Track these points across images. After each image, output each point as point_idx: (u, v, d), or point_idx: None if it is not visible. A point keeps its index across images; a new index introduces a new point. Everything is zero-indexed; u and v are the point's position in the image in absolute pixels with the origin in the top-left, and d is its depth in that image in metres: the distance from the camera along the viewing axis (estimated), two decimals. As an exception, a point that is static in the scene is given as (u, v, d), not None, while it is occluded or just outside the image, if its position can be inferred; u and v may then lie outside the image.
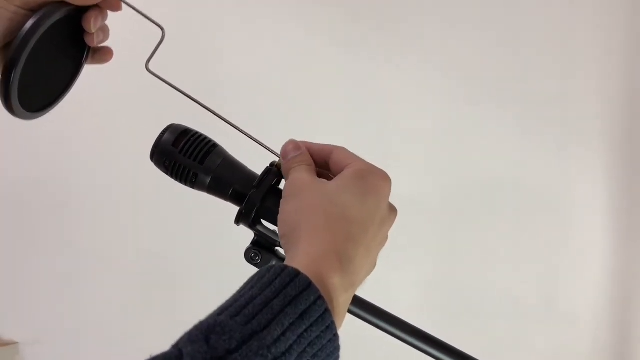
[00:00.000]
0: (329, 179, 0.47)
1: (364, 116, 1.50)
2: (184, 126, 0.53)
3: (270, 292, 0.36)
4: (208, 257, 1.49)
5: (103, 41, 0.56)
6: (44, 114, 0.56)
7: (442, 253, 1.53)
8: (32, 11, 0.48)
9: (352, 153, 0.48)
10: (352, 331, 0.46)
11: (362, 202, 0.44)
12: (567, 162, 1.52)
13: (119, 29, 0.59)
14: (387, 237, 0.48)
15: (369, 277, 0.47)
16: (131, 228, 1.53)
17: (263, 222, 0.51)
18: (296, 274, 0.37)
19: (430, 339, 0.52)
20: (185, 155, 0.51)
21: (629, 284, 1.54)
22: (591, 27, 1.48)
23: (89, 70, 0.61)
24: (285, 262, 0.41)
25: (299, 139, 0.51)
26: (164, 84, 0.54)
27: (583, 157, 1.51)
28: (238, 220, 0.51)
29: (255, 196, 0.50)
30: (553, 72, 1.49)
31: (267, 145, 0.53)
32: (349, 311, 0.47)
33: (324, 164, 0.49)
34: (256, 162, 0.53)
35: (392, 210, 0.48)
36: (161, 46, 0.55)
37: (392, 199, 0.48)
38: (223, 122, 0.54)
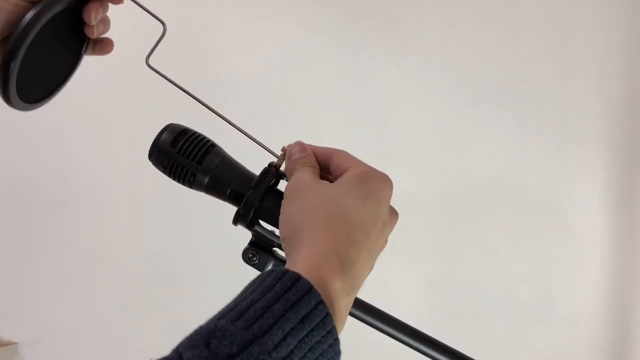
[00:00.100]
0: (331, 182, 0.47)
1: (364, 116, 1.50)
2: (182, 126, 0.53)
3: (271, 296, 0.36)
4: (208, 257, 1.49)
5: (103, 33, 0.56)
6: (42, 105, 0.56)
7: (442, 253, 1.53)
8: (32, 3, 0.48)
9: (353, 156, 0.48)
10: (351, 332, 0.46)
11: (363, 205, 0.44)
12: (567, 162, 1.52)
13: (120, 22, 0.59)
14: (387, 241, 0.48)
15: (369, 277, 0.47)
16: (131, 228, 1.53)
17: (261, 222, 0.51)
18: (297, 278, 0.37)
19: (429, 340, 0.52)
20: (183, 155, 0.51)
21: (628, 284, 1.54)
22: (591, 27, 1.48)
23: (88, 69, 0.61)
24: (287, 265, 0.40)
25: (299, 139, 0.51)
26: (163, 81, 0.54)
27: (583, 157, 1.51)
28: (236, 221, 0.51)
29: (253, 197, 0.50)
30: (553, 72, 1.49)
31: (266, 145, 0.53)
32: (349, 313, 0.47)
33: (325, 167, 0.49)
34: (255, 163, 0.53)
35: (394, 213, 0.48)
36: (161, 45, 0.55)
37: (392, 199, 0.48)
38: (222, 121, 0.54)
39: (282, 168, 0.51)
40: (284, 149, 0.51)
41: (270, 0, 1.48)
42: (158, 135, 0.52)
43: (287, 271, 0.37)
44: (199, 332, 0.33)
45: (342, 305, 0.40)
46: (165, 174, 0.53)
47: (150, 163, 0.53)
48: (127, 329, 1.52)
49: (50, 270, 1.52)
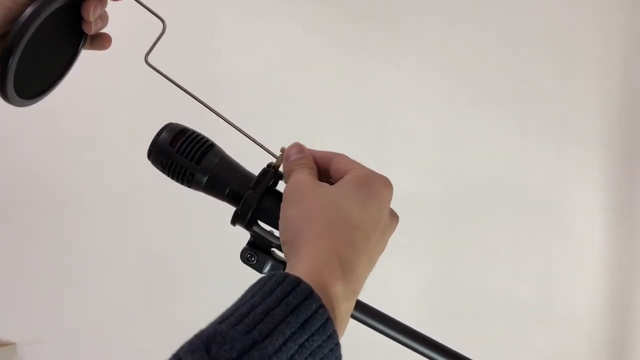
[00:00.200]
0: (330, 184, 0.47)
1: (364, 116, 1.50)
2: (181, 125, 0.53)
3: (272, 300, 0.36)
4: (208, 257, 1.49)
5: (101, 28, 0.56)
6: (38, 101, 0.56)
7: (442, 253, 1.53)
8: None
9: (352, 160, 0.48)
10: (350, 333, 0.46)
11: (364, 208, 0.44)
12: (567, 162, 1.51)
13: (119, 19, 0.59)
14: (387, 244, 0.48)
15: (369, 278, 0.47)
16: (131, 228, 1.53)
17: (259, 223, 0.51)
18: (298, 282, 0.37)
19: (428, 341, 0.52)
20: (182, 155, 0.51)
21: (628, 283, 1.54)
22: (591, 27, 1.48)
23: (88, 68, 0.61)
24: (287, 269, 0.40)
25: (298, 139, 0.51)
26: (162, 79, 0.54)
27: (583, 157, 1.51)
28: (234, 221, 0.51)
29: (251, 197, 0.50)
30: (553, 72, 1.49)
31: (265, 146, 0.53)
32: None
33: (325, 171, 0.49)
34: (254, 163, 0.53)
35: (394, 217, 0.48)
36: (159, 43, 0.55)
37: (392, 199, 0.48)
38: (221, 120, 0.54)
39: (281, 169, 0.51)
40: (282, 150, 0.51)
41: None
42: (157, 134, 0.52)
43: (287, 275, 0.37)
44: (199, 337, 0.33)
45: (343, 309, 0.40)
46: (164, 173, 0.53)
47: (149, 162, 0.53)
48: (127, 329, 1.52)
49: (50, 271, 1.52)
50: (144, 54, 0.54)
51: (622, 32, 1.48)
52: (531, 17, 1.48)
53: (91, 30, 0.54)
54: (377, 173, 0.47)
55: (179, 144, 0.52)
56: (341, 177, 0.46)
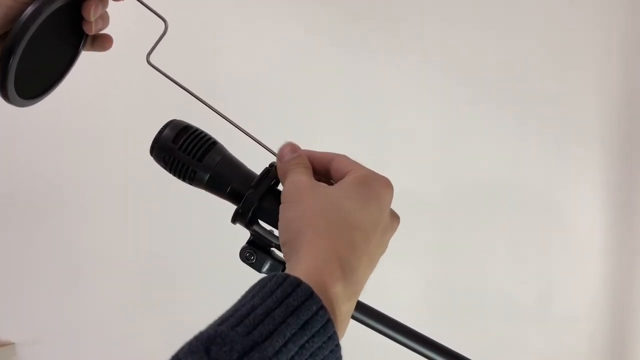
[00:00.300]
0: (329, 184, 0.47)
1: (364, 116, 1.50)
2: (184, 122, 0.53)
3: (272, 302, 0.36)
4: (208, 257, 1.49)
5: (102, 29, 0.55)
6: (39, 101, 0.56)
7: (442, 253, 1.53)
8: None
9: (353, 160, 0.48)
10: (350, 333, 0.46)
11: (364, 208, 0.44)
12: (567, 162, 1.51)
13: (120, 19, 0.59)
14: (387, 245, 0.48)
15: (369, 278, 0.47)
16: (131, 228, 1.53)
17: (260, 222, 0.51)
18: (298, 283, 0.37)
19: (427, 341, 0.52)
20: (185, 152, 0.52)
21: (628, 284, 1.54)
22: (591, 27, 1.48)
23: (89, 66, 0.61)
24: (287, 270, 0.40)
25: (298, 139, 0.51)
26: (164, 79, 0.54)
27: (583, 157, 1.51)
28: (235, 219, 0.51)
29: (252, 196, 0.50)
30: (553, 72, 1.49)
31: (267, 145, 0.53)
32: None
33: (325, 172, 0.49)
34: (256, 162, 0.53)
35: (395, 217, 0.47)
36: (160, 44, 0.55)
37: (393, 199, 0.48)
38: (223, 120, 0.54)
39: None
40: None
41: (270, 0, 1.48)
42: (160, 130, 0.53)
43: (287, 276, 0.37)
44: (198, 338, 0.33)
45: (344, 310, 0.40)
46: (166, 169, 0.53)
47: (150, 163, 0.53)
48: (127, 329, 1.52)
49: (49, 270, 1.52)
50: (146, 54, 0.54)
51: (622, 32, 1.48)
52: (531, 17, 1.48)
53: (92, 30, 0.54)
54: (377, 174, 0.46)
55: (181, 141, 0.52)
56: (341, 178, 0.46)
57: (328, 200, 0.44)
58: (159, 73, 0.54)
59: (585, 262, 1.54)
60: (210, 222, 1.38)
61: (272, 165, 0.51)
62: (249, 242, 0.51)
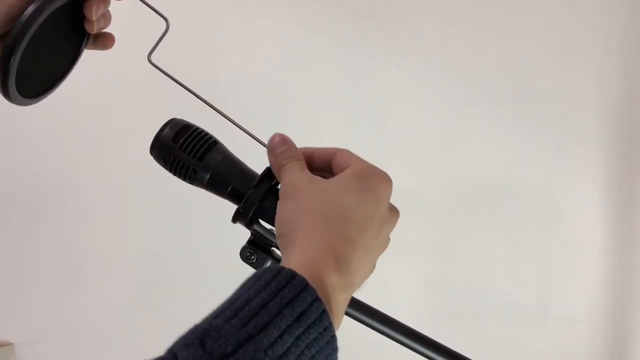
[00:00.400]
0: (327, 178, 0.47)
1: (364, 116, 1.50)
2: (185, 121, 0.53)
3: (267, 294, 0.36)
4: (208, 257, 1.49)
5: (104, 28, 0.55)
6: (40, 100, 0.56)
7: (442, 253, 1.53)
8: None
9: (354, 154, 0.48)
10: (347, 331, 0.46)
11: (360, 202, 0.44)
12: (567, 162, 1.51)
13: (121, 18, 0.59)
14: (389, 239, 0.48)
15: (369, 278, 0.47)
16: (131, 228, 1.53)
17: (260, 222, 0.51)
18: (292, 275, 0.37)
19: (426, 340, 0.52)
20: (185, 151, 0.51)
21: (628, 284, 1.54)
22: (591, 27, 1.48)
23: (90, 65, 0.61)
24: (282, 263, 0.40)
25: (298, 139, 0.51)
26: (165, 78, 0.54)
27: (583, 157, 1.51)
28: (235, 219, 0.51)
29: (253, 196, 0.50)
30: (553, 72, 1.49)
31: (267, 144, 0.53)
32: (345, 313, 0.47)
33: (328, 167, 0.49)
34: (257, 161, 0.53)
35: (394, 211, 0.47)
36: (161, 44, 0.55)
37: (393, 199, 0.48)
38: (224, 119, 0.54)
39: None
40: None
41: (270, 0, 1.48)
42: (160, 129, 0.52)
43: (282, 268, 0.37)
44: (193, 332, 0.33)
45: (339, 301, 0.40)
46: (166, 169, 0.53)
47: (150, 163, 0.53)
48: (127, 329, 1.52)
49: (49, 270, 1.52)
50: (147, 53, 0.54)
51: (622, 32, 1.48)
52: (531, 17, 1.48)
53: (93, 29, 0.54)
54: (376, 168, 0.46)
55: (181, 140, 0.51)
56: (341, 172, 0.46)
57: (323, 194, 0.44)
58: (159, 72, 0.54)
59: (585, 262, 1.54)
60: (210, 222, 1.38)
61: None
62: (249, 242, 0.51)
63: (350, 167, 0.46)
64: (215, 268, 1.44)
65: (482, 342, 1.51)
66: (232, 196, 0.52)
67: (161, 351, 0.33)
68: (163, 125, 0.52)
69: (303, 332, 0.35)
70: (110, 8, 0.55)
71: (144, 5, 0.54)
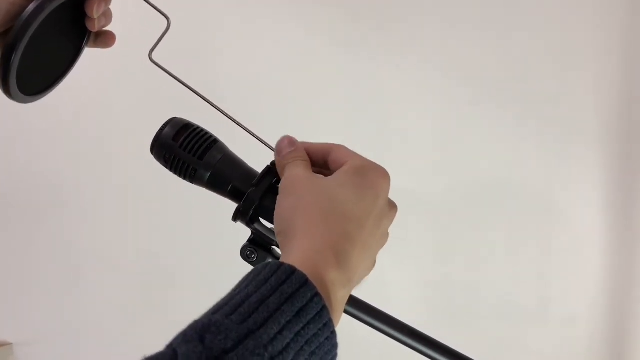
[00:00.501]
0: (326, 176, 0.47)
1: (364, 116, 1.50)
2: (185, 120, 0.53)
3: (266, 289, 0.36)
4: (208, 257, 1.49)
5: (105, 26, 0.55)
6: (41, 98, 0.56)
7: (441, 253, 1.53)
8: None
9: (351, 150, 0.48)
10: (347, 330, 0.46)
11: (359, 198, 0.44)
12: (567, 162, 1.51)
13: (123, 16, 0.59)
14: (387, 235, 0.48)
15: (369, 277, 0.47)
16: (131, 228, 1.53)
17: (261, 220, 0.51)
18: (292, 271, 0.37)
19: (426, 339, 0.52)
20: (185, 150, 0.51)
21: (627, 284, 1.54)
22: (591, 27, 1.48)
23: (91, 64, 0.61)
24: (281, 259, 0.40)
25: (299, 138, 0.51)
26: (164, 77, 0.54)
27: (583, 157, 1.51)
28: (236, 218, 0.51)
29: (253, 194, 0.50)
30: (553, 72, 1.49)
31: (268, 143, 0.53)
32: (345, 311, 0.47)
33: (324, 162, 0.49)
34: (257, 160, 0.53)
35: (392, 206, 0.47)
36: (161, 44, 0.55)
37: (393, 199, 0.48)
38: (224, 118, 0.54)
39: None
40: None
41: (270, 1, 1.48)
42: (161, 128, 0.53)
43: (282, 264, 0.37)
44: (193, 327, 0.33)
45: (339, 296, 0.40)
46: (166, 167, 0.53)
47: (150, 163, 0.53)
48: (127, 329, 1.52)
49: (48, 270, 1.52)
50: (148, 51, 0.54)
51: (622, 32, 1.48)
52: (531, 17, 1.48)
53: (94, 27, 0.54)
54: (374, 163, 0.47)
55: (182, 138, 0.52)
56: (339, 168, 0.47)
57: (323, 191, 0.44)
58: (160, 70, 0.54)
59: (585, 262, 1.54)
60: (210, 222, 1.38)
61: (273, 163, 0.51)
62: (249, 241, 0.52)
63: (347, 163, 0.46)
64: (216, 268, 1.44)
65: (482, 342, 1.51)
66: (233, 195, 0.52)
67: (161, 349, 0.33)
68: (164, 124, 0.53)
69: (303, 328, 0.35)
70: (112, 6, 0.55)
71: (145, 3, 0.54)
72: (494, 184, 1.51)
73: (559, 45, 1.49)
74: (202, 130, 0.53)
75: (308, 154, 0.49)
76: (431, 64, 1.49)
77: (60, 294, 1.52)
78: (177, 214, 1.50)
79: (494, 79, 1.49)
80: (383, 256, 0.48)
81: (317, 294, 0.36)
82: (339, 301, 0.40)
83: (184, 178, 0.53)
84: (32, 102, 0.55)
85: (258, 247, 0.51)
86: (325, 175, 0.47)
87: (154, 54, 0.54)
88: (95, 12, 0.52)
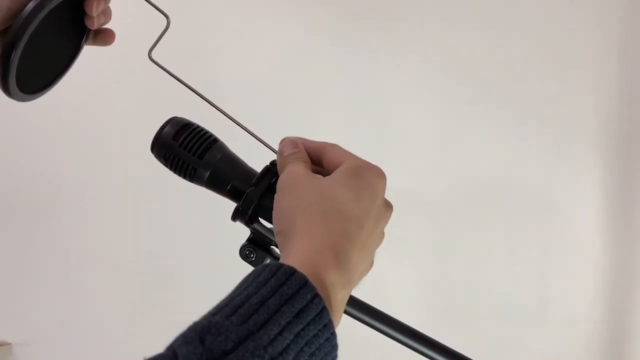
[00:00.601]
0: (324, 175, 0.47)
1: (364, 116, 1.50)
2: (185, 119, 0.53)
3: (266, 291, 0.36)
4: (208, 257, 1.49)
5: (104, 24, 0.55)
6: (40, 96, 0.56)
7: (441, 253, 1.53)
8: None
9: (345, 150, 0.48)
10: (347, 330, 0.46)
11: (357, 198, 0.44)
12: (567, 162, 1.52)
13: (122, 14, 0.59)
14: (383, 234, 0.48)
15: (368, 277, 0.47)
16: (131, 228, 1.53)
17: (260, 220, 0.51)
18: (292, 272, 0.37)
19: (425, 339, 0.52)
20: (185, 149, 0.52)
21: (627, 285, 1.54)
22: (591, 27, 1.48)
23: (91, 63, 0.61)
24: (281, 260, 0.40)
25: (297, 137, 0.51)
26: (164, 76, 0.54)
27: (583, 157, 1.51)
28: (235, 217, 0.51)
29: (253, 194, 0.50)
30: (553, 72, 1.49)
31: (267, 142, 0.53)
32: (345, 312, 0.47)
33: (318, 161, 0.49)
34: (257, 160, 0.53)
35: (388, 206, 0.48)
36: (161, 43, 0.55)
37: (392, 199, 0.48)
38: (224, 117, 0.54)
39: None
40: None
41: (270, 0, 1.48)
42: (161, 127, 0.53)
43: (281, 265, 0.37)
44: (193, 329, 0.33)
45: (339, 297, 0.40)
46: (166, 167, 0.53)
47: (150, 162, 0.54)
48: (126, 329, 1.52)
49: (47, 270, 1.52)
50: (147, 50, 0.54)
51: (622, 32, 1.48)
52: (531, 17, 1.48)
53: (94, 25, 0.54)
54: (370, 164, 0.47)
55: (182, 138, 0.52)
56: (335, 168, 0.47)
57: (322, 191, 0.44)
58: (160, 69, 0.54)
59: (585, 262, 1.54)
60: (210, 222, 1.38)
61: (272, 163, 0.51)
62: (249, 240, 0.52)
63: (344, 163, 0.46)
64: (215, 268, 1.44)
65: (482, 342, 1.51)
66: (232, 194, 0.52)
67: (161, 351, 0.33)
68: (164, 124, 0.53)
69: (303, 329, 0.35)
70: (111, 4, 0.55)
71: (145, 2, 0.55)
72: (494, 184, 1.51)
73: (559, 45, 1.49)
74: (202, 129, 0.53)
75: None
76: (431, 64, 1.49)
77: (60, 294, 1.52)
78: (177, 214, 1.50)
79: (494, 79, 1.49)
80: (383, 256, 0.48)
81: (317, 295, 0.36)
82: (339, 302, 0.40)
83: (184, 177, 0.53)
84: (31, 100, 0.55)
85: (257, 247, 0.51)
86: (323, 175, 0.47)
87: (153, 52, 0.54)
88: (94, 10, 0.52)
